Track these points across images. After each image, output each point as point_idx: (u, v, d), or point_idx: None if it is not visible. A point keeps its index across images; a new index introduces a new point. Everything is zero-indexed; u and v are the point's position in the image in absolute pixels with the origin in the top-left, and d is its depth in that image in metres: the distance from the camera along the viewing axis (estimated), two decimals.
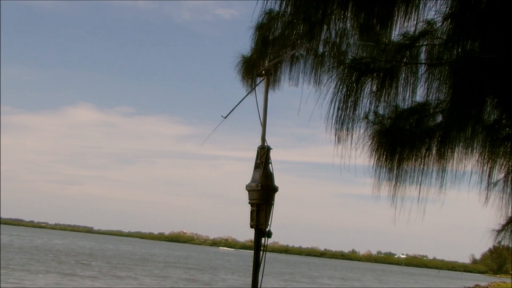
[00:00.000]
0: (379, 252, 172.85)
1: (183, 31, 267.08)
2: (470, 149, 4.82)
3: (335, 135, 4.52)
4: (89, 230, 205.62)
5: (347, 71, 4.50)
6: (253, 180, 3.22)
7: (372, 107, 4.70)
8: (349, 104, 4.51)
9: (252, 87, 5.49)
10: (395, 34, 4.56)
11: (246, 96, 3.44)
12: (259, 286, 3.26)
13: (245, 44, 5.43)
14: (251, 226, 3.22)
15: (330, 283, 43.15)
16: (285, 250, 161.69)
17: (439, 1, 4.27)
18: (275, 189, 3.24)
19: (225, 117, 3.45)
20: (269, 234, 3.22)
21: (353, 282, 48.69)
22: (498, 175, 5.11)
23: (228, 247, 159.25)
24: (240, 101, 3.45)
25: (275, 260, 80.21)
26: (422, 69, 4.77)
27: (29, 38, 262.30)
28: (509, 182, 5.12)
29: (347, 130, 4.56)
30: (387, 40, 4.60)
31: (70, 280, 24.40)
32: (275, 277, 40.34)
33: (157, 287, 25.95)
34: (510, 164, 5.04)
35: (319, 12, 4.25)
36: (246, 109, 3.51)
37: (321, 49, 5.03)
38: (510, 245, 6.03)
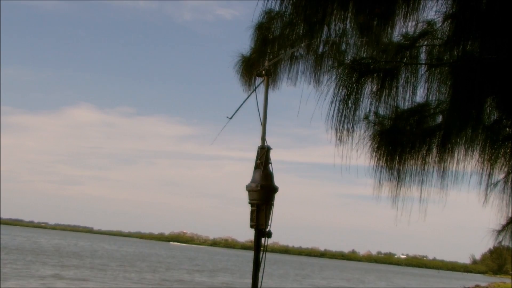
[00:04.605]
0: (379, 253, 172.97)
1: (183, 31, 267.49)
2: (470, 149, 4.82)
3: (336, 135, 4.51)
4: (89, 230, 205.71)
5: (347, 72, 4.49)
6: (253, 180, 3.22)
7: (373, 108, 4.70)
8: (349, 104, 4.50)
9: (252, 87, 5.50)
10: (395, 34, 4.56)
11: (249, 96, 3.43)
12: (259, 286, 3.25)
13: (245, 44, 5.42)
14: (251, 226, 3.21)
15: (343, 285, 43.16)
16: (285, 251, 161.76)
17: (439, 1, 4.28)
18: (275, 189, 3.23)
19: (230, 118, 3.45)
20: (269, 234, 3.22)
21: (366, 284, 48.75)
22: (498, 175, 5.11)
23: (228, 247, 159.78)
24: (244, 101, 3.44)
25: (278, 261, 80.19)
26: (422, 69, 4.77)
27: (29, 38, 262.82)
28: (509, 183, 5.12)
29: (348, 131, 4.55)
30: (387, 41, 4.60)
31: (70, 282, 24.39)
32: (284, 278, 40.36)
33: (157, 287, 25.93)
34: (510, 164, 5.04)
35: (319, 12, 4.25)
36: (246, 109, 3.50)
37: (321, 49, 5.03)
38: (510, 246, 6.02)
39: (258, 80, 3.54)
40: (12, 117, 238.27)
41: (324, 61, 5.10)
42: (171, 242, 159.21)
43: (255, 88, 3.46)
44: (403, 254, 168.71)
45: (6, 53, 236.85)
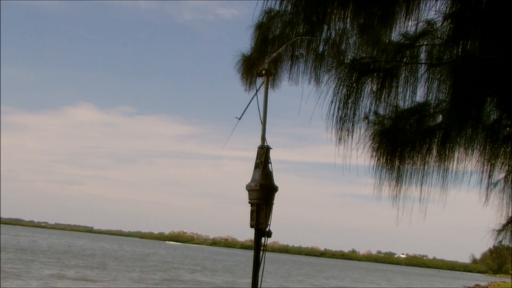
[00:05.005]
0: (379, 252, 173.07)
1: (183, 31, 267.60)
2: (470, 149, 4.82)
3: (336, 135, 4.52)
4: (89, 230, 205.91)
5: (347, 71, 4.49)
6: (252, 180, 3.22)
7: (373, 107, 4.70)
8: (349, 104, 4.50)
9: (252, 86, 5.51)
10: (395, 34, 4.56)
11: (255, 95, 3.42)
12: (259, 286, 3.25)
13: (245, 43, 5.42)
14: (251, 226, 3.21)
15: (348, 284, 43.25)
16: (285, 250, 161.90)
17: (439, 1, 4.27)
18: (274, 189, 3.23)
19: (239, 118, 3.43)
20: (269, 234, 3.21)
21: (368, 284, 48.90)
22: (499, 175, 5.11)
23: (228, 246, 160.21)
24: (250, 101, 3.43)
25: (278, 260, 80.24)
26: (422, 69, 4.77)
27: (29, 38, 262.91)
28: (509, 182, 5.12)
29: (348, 130, 4.56)
30: (387, 40, 4.60)
31: (70, 282, 24.39)
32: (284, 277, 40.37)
33: (158, 287, 25.94)
34: (510, 164, 5.04)
35: (319, 11, 4.24)
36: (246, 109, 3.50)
37: (321, 49, 5.03)
38: (511, 245, 6.02)
39: (259, 80, 3.54)
40: (12, 117, 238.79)
41: (324, 60, 5.10)
42: (166, 242, 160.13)
43: (258, 88, 3.45)
44: (403, 254, 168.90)
45: (6, 53, 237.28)
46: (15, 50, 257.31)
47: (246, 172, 3.35)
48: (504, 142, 4.97)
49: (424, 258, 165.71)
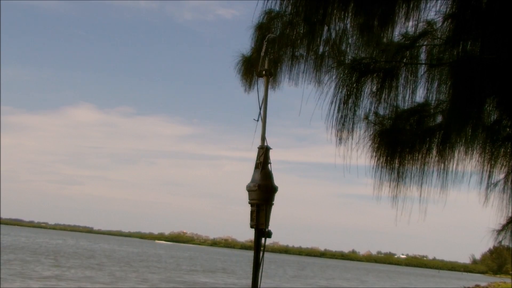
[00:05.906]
0: (379, 252, 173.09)
1: (184, 31, 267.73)
2: (470, 149, 4.82)
3: (336, 135, 4.52)
4: (89, 230, 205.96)
5: (347, 72, 4.49)
6: (252, 180, 3.22)
7: (373, 108, 4.70)
8: (349, 104, 4.50)
9: (253, 87, 5.51)
10: (395, 34, 4.56)
11: (264, 95, 3.41)
12: (259, 286, 3.25)
13: (245, 44, 5.43)
14: (251, 226, 3.21)
15: (350, 285, 43.26)
16: (285, 250, 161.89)
17: (439, 1, 4.27)
18: (274, 189, 3.23)
19: (258, 120, 3.43)
20: (269, 234, 3.21)
21: (369, 284, 48.96)
22: (498, 175, 5.12)
23: (228, 247, 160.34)
24: (261, 102, 3.41)
25: (278, 260, 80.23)
26: (422, 69, 4.77)
27: (29, 38, 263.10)
28: (509, 183, 5.12)
29: (348, 131, 4.56)
30: (387, 40, 4.59)
31: (70, 283, 24.39)
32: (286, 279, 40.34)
33: (160, 287, 25.93)
34: (510, 164, 5.04)
35: (319, 12, 4.24)
36: (246, 109, 3.51)
37: (321, 49, 5.03)
38: (510, 245, 6.02)
39: (260, 80, 3.53)
40: (12, 117, 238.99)
41: (325, 61, 5.10)
42: (156, 241, 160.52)
43: (265, 89, 3.44)
44: (403, 254, 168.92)
45: (6, 53, 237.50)
46: (15, 50, 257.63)
47: (246, 173, 3.35)
48: (504, 142, 4.97)
49: (424, 258, 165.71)
